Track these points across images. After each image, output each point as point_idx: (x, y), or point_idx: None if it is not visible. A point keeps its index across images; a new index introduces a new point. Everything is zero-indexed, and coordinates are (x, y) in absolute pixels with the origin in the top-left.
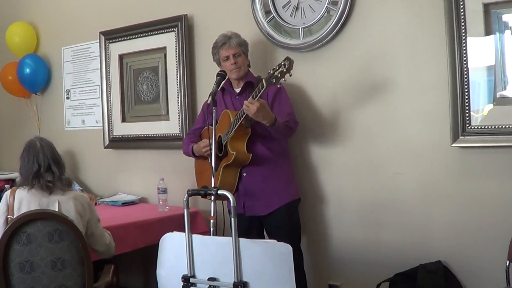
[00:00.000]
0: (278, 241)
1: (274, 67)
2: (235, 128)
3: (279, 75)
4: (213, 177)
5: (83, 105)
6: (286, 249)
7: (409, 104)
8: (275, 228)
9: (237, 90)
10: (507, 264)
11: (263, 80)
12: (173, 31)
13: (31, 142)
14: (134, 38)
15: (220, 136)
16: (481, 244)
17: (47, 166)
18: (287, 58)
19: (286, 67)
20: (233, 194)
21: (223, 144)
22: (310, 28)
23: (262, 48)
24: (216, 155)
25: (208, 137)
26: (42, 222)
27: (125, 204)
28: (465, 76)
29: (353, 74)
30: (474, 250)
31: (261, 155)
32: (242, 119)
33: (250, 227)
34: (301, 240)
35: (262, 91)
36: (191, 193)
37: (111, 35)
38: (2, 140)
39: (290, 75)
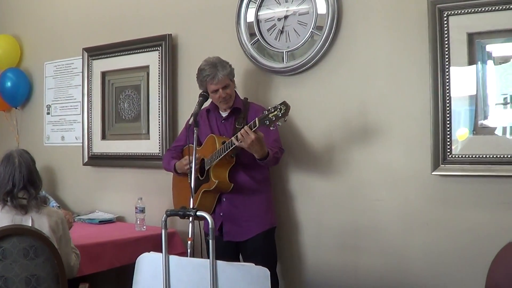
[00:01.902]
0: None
1: (270, 108)
2: (221, 158)
3: (273, 119)
4: (192, 198)
5: (63, 121)
6: (263, 272)
7: (391, 131)
8: (252, 254)
9: (224, 115)
10: None
11: (257, 119)
12: (157, 50)
13: (10, 156)
14: (118, 55)
15: (203, 159)
16: (458, 272)
17: (21, 187)
18: (284, 103)
19: (282, 111)
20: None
21: (206, 168)
22: (294, 52)
23: (246, 70)
24: (197, 178)
25: (189, 157)
26: (18, 238)
27: (102, 222)
28: (447, 104)
29: (336, 100)
30: (452, 278)
31: (243, 182)
32: (229, 150)
33: (226, 251)
34: (277, 266)
35: (254, 129)
36: (170, 214)
37: (94, 52)
38: None
39: (285, 121)
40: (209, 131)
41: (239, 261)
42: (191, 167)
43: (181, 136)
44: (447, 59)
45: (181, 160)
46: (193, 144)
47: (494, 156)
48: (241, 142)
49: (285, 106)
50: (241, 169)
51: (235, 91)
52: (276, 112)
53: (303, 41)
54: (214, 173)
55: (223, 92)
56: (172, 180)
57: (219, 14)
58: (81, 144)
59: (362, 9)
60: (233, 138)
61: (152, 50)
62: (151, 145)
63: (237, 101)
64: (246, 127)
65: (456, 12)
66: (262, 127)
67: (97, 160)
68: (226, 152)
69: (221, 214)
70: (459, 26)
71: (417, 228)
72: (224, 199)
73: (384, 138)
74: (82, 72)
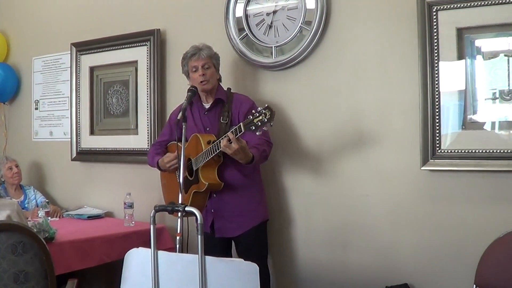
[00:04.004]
0: (248, 260)
1: (254, 112)
2: (208, 159)
3: (259, 124)
4: (180, 193)
5: (52, 116)
6: (252, 268)
7: (379, 126)
8: (246, 249)
9: (206, 106)
10: None
11: (242, 124)
12: (145, 45)
13: None
14: (106, 50)
15: (190, 159)
16: (448, 267)
17: None
18: (268, 108)
19: (267, 117)
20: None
21: (194, 169)
22: (282, 47)
23: (234, 66)
24: (186, 178)
25: (177, 153)
26: (6, 234)
27: (91, 217)
28: (436, 100)
29: (324, 95)
30: (441, 273)
31: (232, 178)
32: (216, 153)
33: (218, 247)
34: (268, 261)
35: (239, 135)
36: (158, 209)
37: (82, 47)
38: None
39: (271, 125)
40: (192, 124)
41: (231, 257)
42: (180, 164)
43: (165, 130)
44: (436, 54)
45: (163, 157)
46: (181, 139)
47: (483, 151)
48: (224, 150)
49: (270, 111)
50: (230, 164)
51: (219, 83)
52: (261, 117)
53: (292, 36)
54: (203, 174)
55: (202, 70)
56: (161, 179)
57: (208, 9)
58: (70, 139)
59: (351, 4)
60: (218, 142)
61: (140, 45)
62: (140, 140)
63: (220, 92)
64: (230, 134)
65: (445, 7)
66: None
67: (85, 156)
68: (213, 155)
69: (212, 210)
70: (448, 21)
71: (405, 223)
72: (214, 195)
73: (373, 133)
74: (70, 67)
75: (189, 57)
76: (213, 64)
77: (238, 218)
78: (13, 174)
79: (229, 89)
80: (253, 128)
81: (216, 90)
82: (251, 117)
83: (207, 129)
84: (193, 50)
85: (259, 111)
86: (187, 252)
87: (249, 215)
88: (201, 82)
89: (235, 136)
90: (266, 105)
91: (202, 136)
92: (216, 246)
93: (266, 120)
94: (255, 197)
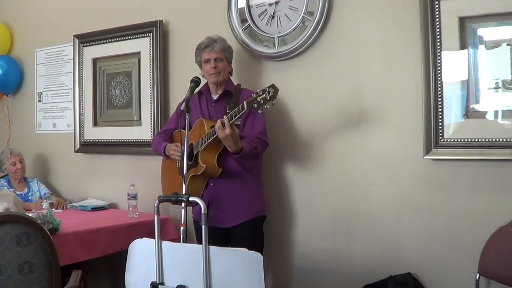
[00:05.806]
0: None
1: (258, 91)
2: (209, 141)
3: (261, 101)
4: (184, 184)
5: (55, 108)
6: (256, 257)
7: (382, 115)
8: (238, 242)
9: (214, 97)
10: (477, 277)
11: (245, 102)
12: (148, 36)
13: None
14: (109, 42)
15: (192, 144)
16: (451, 256)
17: None
18: (273, 86)
19: (270, 94)
20: None
21: (194, 153)
22: (285, 37)
23: (237, 56)
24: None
25: (180, 143)
26: (11, 225)
27: (95, 209)
28: (439, 89)
29: (327, 85)
30: (444, 262)
31: (231, 168)
32: (214, 136)
33: (214, 238)
34: (271, 252)
35: (241, 113)
36: (162, 200)
37: (85, 39)
38: None
39: (273, 104)
40: (199, 114)
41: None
42: (183, 154)
43: (172, 119)
44: (438, 44)
45: (171, 144)
46: (185, 130)
47: (486, 140)
48: (217, 132)
49: (273, 88)
50: (231, 154)
51: (229, 77)
52: (264, 95)
53: (294, 26)
54: (202, 157)
55: (214, 63)
56: (162, 166)
57: (210, 0)
58: (73, 131)
59: None
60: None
61: (143, 37)
62: (143, 131)
63: (229, 85)
64: (225, 118)
65: None
66: (251, 115)
67: (89, 147)
68: (211, 139)
69: (208, 199)
70: (451, 10)
71: (409, 212)
72: (211, 184)
73: (376, 123)
74: (73, 59)
75: (203, 48)
76: (225, 57)
77: (232, 209)
78: (16, 170)
79: (238, 84)
80: (255, 105)
81: (226, 82)
82: (255, 95)
83: (213, 119)
84: (207, 42)
85: (263, 89)
86: (185, 242)
87: (243, 208)
88: (212, 74)
89: (237, 114)
90: (272, 84)
91: (206, 122)
92: (213, 236)
93: (268, 98)
94: (252, 191)
